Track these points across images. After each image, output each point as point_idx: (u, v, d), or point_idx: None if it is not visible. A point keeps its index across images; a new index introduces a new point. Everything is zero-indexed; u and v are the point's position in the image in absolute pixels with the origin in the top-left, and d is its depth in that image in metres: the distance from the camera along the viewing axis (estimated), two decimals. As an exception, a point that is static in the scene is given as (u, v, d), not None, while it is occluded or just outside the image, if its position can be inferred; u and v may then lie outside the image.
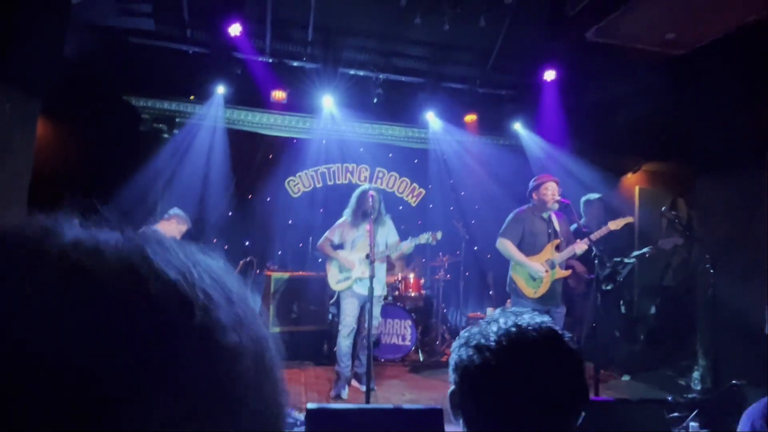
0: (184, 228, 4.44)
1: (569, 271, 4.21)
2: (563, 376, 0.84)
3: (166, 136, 6.14)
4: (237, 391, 0.29)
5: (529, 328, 0.86)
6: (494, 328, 0.87)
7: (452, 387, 0.90)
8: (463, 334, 0.92)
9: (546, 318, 0.90)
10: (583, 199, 5.12)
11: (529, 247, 4.12)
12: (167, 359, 0.26)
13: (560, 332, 0.88)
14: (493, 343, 0.85)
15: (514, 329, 0.85)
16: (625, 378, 5.09)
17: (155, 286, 0.28)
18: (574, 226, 4.29)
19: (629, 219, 4.16)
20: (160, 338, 0.27)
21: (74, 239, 0.29)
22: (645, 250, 4.96)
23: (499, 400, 0.83)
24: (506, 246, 4.14)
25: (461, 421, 0.89)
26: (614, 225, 4.11)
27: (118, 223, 0.34)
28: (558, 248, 4.13)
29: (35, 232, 0.29)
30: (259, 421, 0.30)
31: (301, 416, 3.01)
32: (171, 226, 4.34)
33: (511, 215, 4.26)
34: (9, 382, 0.23)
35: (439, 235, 4.49)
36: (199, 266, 0.31)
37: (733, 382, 3.36)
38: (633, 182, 6.98)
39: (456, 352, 0.90)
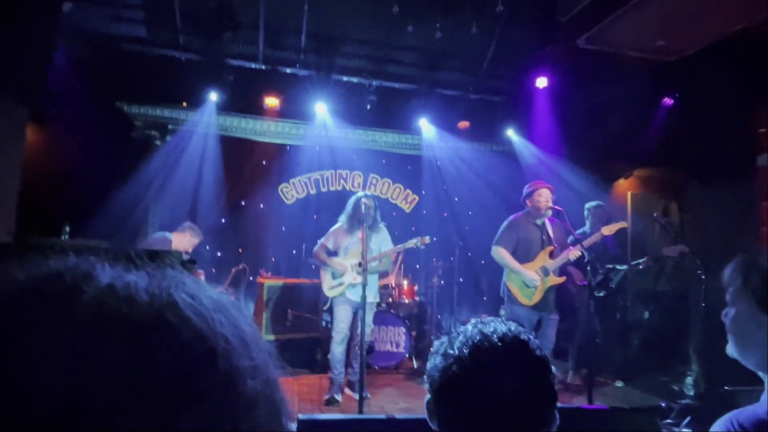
0: (196, 241, 4.48)
1: (563, 278, 4.22)
2: (529, 380, 0.85)
3: (158, 142, 6.11)
4: None
5: (494, 334, 0.88)
6: (461, 337, 0.89)
7: (427, 395, 0.92)
8: (435, 343, 0.94)
9: (513, 325, 0.91)
10: (586, 205, 5.15)
11: (523, 254, 4.13)
12: (195, 406, 0.28)
13: (526, 338, 0.89)
14: (457, 351, 0.87)
15: (478, 336, 0.87)
16: (618, 384, 5.09)
17: (184, 335, 0.30)
18: (570, 237, 4.30)
19: (623, 224, 4.18)
20: (188, 385, 0.29)
21: (109, 284, 0.31)
22: (641, 260, 4.97)
23: (468, 406, 0.85)
24: (501, 254, 4.14)
25: (437, 426, 0.91)
26: (607, 230, 4.12)
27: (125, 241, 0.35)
28: (552, 255, 4.13)
29: (73, 277, 0.30)
30: None
31: (293, 426, 2.97)
32: (185, 239, 4.38)
33: (505, 223, 4.27)
34: (55, 419, 0.26)
35: (427, 239, 4.49)
36: (219, 311, 0.33)
37: (726, 387, 3.36)
38: (625, 188, 7.01)
39: (429, 361, 0.93)
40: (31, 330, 0.27)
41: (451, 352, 0.87)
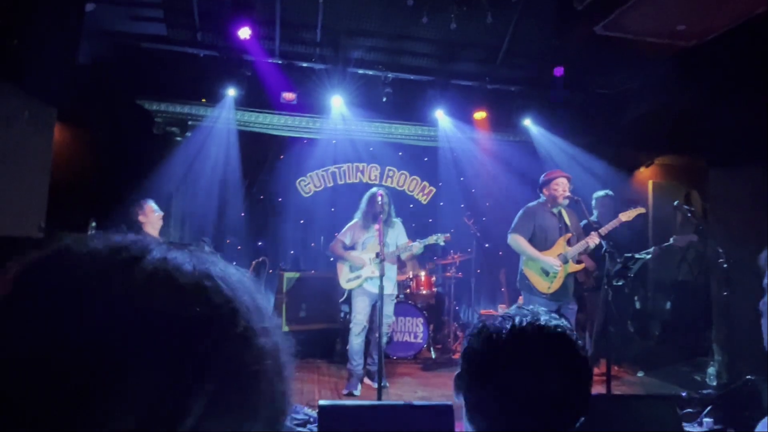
0: (161, 215, 4.59)
1: (582, 266, 4.19)
2: (567, 379, 0.85)
3: (178, 138, 6.23)
4: (261, 384, 0.38)
5: (543, 327, 0.88)
6: (508, 324, 0.89)
7: (459, 370, 0.94)
8: (477, 324, 0.94)
9: (563, 321, 0.91)
10: (594, 195, 5.10)
11: (540, 242, 4.11)
12: (221, 354, 0.36)
13: (573, 336, 0.89)
14: (504, 336, 0.87)
15: (528, 328, 0.87)
16: (640, 374, 5.06)
17: (216, 298, 0.38)
18: (584, 222, 4.27)
19: (641, 210, 4.13)
20: (217, 339, 0.37)
21: (162, 257, 0.39)
22: (650, 250, 4.90)
23: (501, 391, 0.85)
24: (518, 241, 4.13)
25: (462, 401, 0.92)
26: (625, 216, 4.08)
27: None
28: (569, 243, 4.11)
29: (137, 249, 0.39)
30: (272, 410, 0.39)
31: (314, 413, 3.05)
32: (151, 216, 4.48)
33: (521, 211, 4.26)
34: (114, 354, 0.33)
35: (448, 236, 4.53)
36: (241, 284, 0.41)
37: (748, 377, 3.33)
38: (646, 176, 6.91)
39: (468, 340, 0.93)
40: (106, 287, 0.36)
41: (498, 336, 0.88)
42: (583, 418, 0.88)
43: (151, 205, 4.57)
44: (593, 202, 5.05)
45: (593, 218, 4.82)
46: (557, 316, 0.92)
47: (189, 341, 0.35)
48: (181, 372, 0.34)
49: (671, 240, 4.73)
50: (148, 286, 0.36)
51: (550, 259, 4.01)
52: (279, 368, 0.40)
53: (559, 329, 0.88)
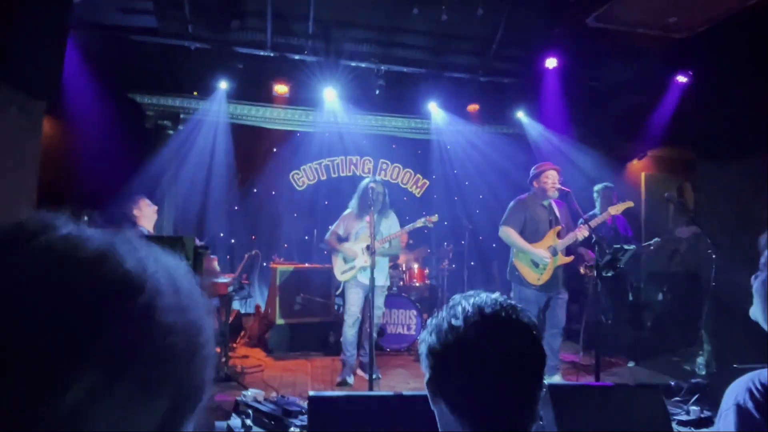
0: (155, 208, 4.57)
1: (571, 258, 4.22)
2: (523, 344, 0.90)
3: (170, 132, 6.21)
4: (165, 364, 0.37)
5: (488, 304, 0.92)
6: (459, 310, 0.92)
7: (428, 375, 0.94)
8: (430, 322, 0.97)
9: (497, 294, 0.96)
10: (595, 188, 5.13)
11: (531, 234, 4.14)
12: (113, 327, 0.35)
13: (515, 305, 0.94)
14: (461, 323, 0.90)
15: (474, 308, 0.91)
16: (630, 364, 5.11)
17: (116, 273, 0.36)
18: (580, 220, 4.30)
19: (629, 203, 4.16)
20: (110, 312, 0.35)
21: (65, 234, 0.37)
22: (652, 242, 4.94)
23: (472, 374, 0.88)
24: (509, 234, 4.16)
25: (442, 406, 0.92)
26: (614, 210, 4.12)
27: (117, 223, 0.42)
28: (559, 235, 4.14)
29: (34, 227, 0.37)
30: (179, 392, 0.38)
31: (305, 404, 3.07)
32: (145, 209, 4.47)
33: (511, 203, 4.28)
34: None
35: (435, 218, 4.53)
36: (159, 264, 0.40)
37: (735, 366, 3.37)
38: (639, 168, 6.93)
39: (426, 340, 0.95)
40: None
41: (455, 324, 0.91)
42: (545, 387, 0.92)
43: (146, 200, 4.56)
44: (594, 195, 5.09)
45: (596, 210, 4.86)
46: (489, 293, 0.97)
47: (76, 314, 0.34)
48: (64, 345, 0.32)
49: (675, 232, 4.78)
50: (40, 262, 0.35)
51: (540, 251, 4.04)
52: (192, 348, 0.38)
53: (500, 301, 0.93)
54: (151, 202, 4.60)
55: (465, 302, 0.93)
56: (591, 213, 4.62)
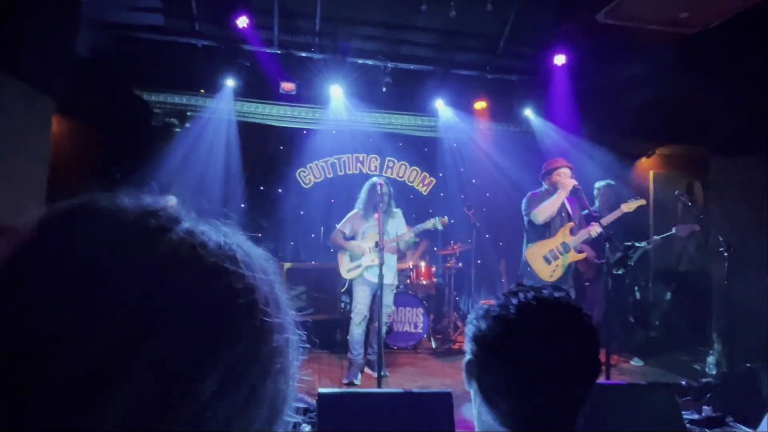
0: None
1: (583, 255, 4.18)
2: (579, 349, 0.85)
3: (177, 129, 6.22)
4: (266, 382, 0.37)
5: (549, 301, 0.87)
6: (514, 300, 0.88)
7: (469, 356, 0.91)
8: (482, 306, 0.93)
9: (563, 294, 0.91)
10: (596, 185, 5.08)
11: (543, 231, 4.10)
12: (233, 347, 0.35)
13: (579, 307, 0.88)
14: (512, 315, 0.86)
15: (534, 302, 0.87)
16: (635, 362, 5.07)
17: (236, 286, 0.37)
18: (585, 212, 4.26)
19: (642, 201, 4.12)
20: (232, 331, 0.35)
21: (189, 229, 0.38)
22: (651, 239, 4.88)
23: (516, 369, 0.84)
24: (541, 210, 4.03)
25: (474, 389, 0.90)
26: (627, 207, 4.07)
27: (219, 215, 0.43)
28: (572, 232, 4.10)
29: (166, 218, 0.38)
30: (270, 409, 0.38)
31: (314, 402, 3.06)
32: None
33: (529, 195, 4.22)
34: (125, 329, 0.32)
35: (445, 219, 4.49)
36: (264, 272, 0.40)
37: (747, 365, 3.33)
38: (647, 166, 6.88)
39: (473, 323, 0.91)
40: (129, 255, 0.34)
41: (506, 314, 0.86)
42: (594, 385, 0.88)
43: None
44: (594, 192, 5.02)
45: (594, 208, 4.80)
46: (559, 289, 0.91)
47: (203, 330, 0.34)
48: (190, 360, 0.33)
49: (673, 230, 4.72)
50: (172, 261, 0.35)
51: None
52: (285, 367, 0.39)
53: (563, 300, 0.88)
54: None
55: (523, 294, 0.88)
56: (588, 210, 4.51)
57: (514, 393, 0.84)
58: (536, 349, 0.83)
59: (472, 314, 0.94)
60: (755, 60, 4.45)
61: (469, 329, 0.92)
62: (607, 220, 4.03)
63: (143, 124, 5.98)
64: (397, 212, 4.57)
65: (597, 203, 4.94)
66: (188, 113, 6.22)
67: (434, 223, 4.46)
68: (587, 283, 4.76)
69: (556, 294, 0.89)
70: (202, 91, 6.05)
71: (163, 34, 5.62)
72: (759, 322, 3.98)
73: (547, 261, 4.05)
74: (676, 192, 4.89)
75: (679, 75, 5.41)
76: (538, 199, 4.11)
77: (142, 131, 5.89)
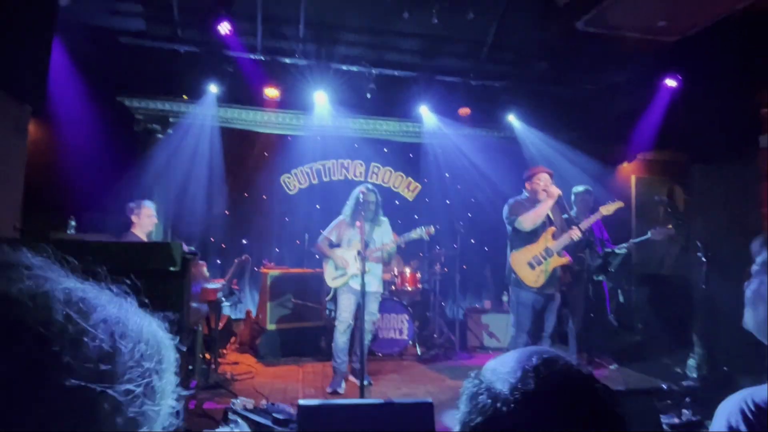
0: (152, 212, 4.43)
1: (567, 258, 4.21)
2: (597, 422, 0.68)
3: (160, 135, 6.15)
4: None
5: (550, 375, 0.71)
6: (509, 377, 0.71)
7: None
8: (471, 383, 0.75)
9: (567, 359, 0.74)
10: (573, 190, 5.10)
11: (525, 236, 4.12)
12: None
13: (587, 373, 0.73)
14: (533, 386, 0.70)
15: (531, 381, 0.70)
16: (613, 367, 5.11)
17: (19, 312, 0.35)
18: (564, 216, 4.30)
19: (620, 203, 4.16)
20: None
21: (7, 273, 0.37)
22: (624, 245, 4.89)
23: None
24: (526, 217, 4.04)
25: None
26: (605, 210, 4.11)
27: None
28: (554, 236, 4.13)
29: None
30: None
31: (296, 411, 3.04)
32: (144, 218, 4.35)
33: (511, 201, 4.23)
34: None
35: (432, 230, 4.49)
36: (112, 312, 0.38)
37: (725, 368, 3.38)
38: (629, 171, 6.96)
39: (468, 403, 0.73)
40: None
41: (500, 392, 0.69)
42: None
43: (149, 209, 4.42)
44: (572, 198, 5.04)
45: (572, 212, 4.83)
46: (561, 354, 0.74)
47: None
48: None
49: (648, 233, 4.76)
50: None
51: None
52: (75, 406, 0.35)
53: (570, 370, 0.71)
54: (155, 212, 4.48)
55: (520, 373, 0.69)
56: (568, 215, 4.51)
57: None
58: (552, 423, 0.66)
59: (464, 395, 0.73)
60: (732, 67, 4.54)
61: (463, 409, 0.73)
62: (586, 224, 4.06)
63: (124, 130, 5.90)
64: (384, 221, 4.56)
65: (575, 209, 4.95)
66: (171, 119, 6.16)
67: (420, 233, 4.46)
68: (564, 288, 4.78)
69: (558, 364, 0.72)
70: (184, 97, 6.00)
71: (144, 39, 5.56)
72: (738, 326, 4.03)
73: (531, 266, 4.07)
74: (656, 197, 4.95)
75: (658, 83, 5.50)
76: (519, 206, 4.13)
77: (123, 137, 5.81)
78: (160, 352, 0.40)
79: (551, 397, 0.68)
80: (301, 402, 2.32)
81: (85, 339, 0.36)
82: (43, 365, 0.34)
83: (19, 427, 0.33)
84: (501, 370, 0.72)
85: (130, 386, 0.37)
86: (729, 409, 1.01)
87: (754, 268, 1.19)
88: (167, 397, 0.40)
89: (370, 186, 4.52)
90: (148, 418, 0.38)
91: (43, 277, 0.37)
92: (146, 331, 0.39)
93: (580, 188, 5.05)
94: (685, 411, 3.33)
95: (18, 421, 0.33)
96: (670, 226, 4.65)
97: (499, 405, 0.68)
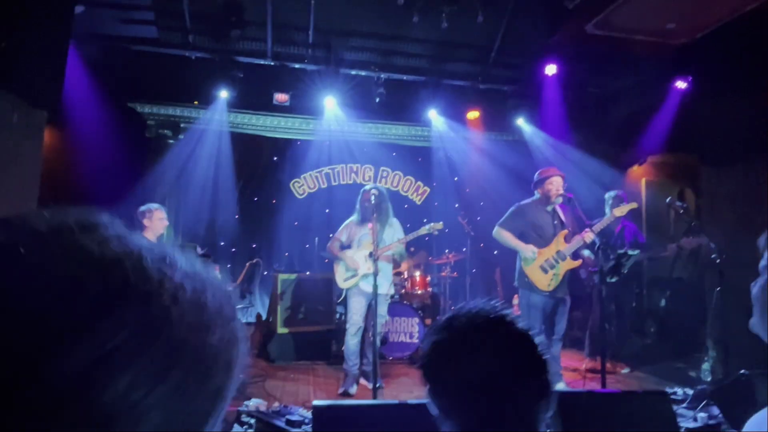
0: (163, 215, 4.44)
1: (579, 262, 4.19)
2: (516, 355, 0.88)
3: (171, 141, 6.21)
4: (163, 381, 0.35)
5: (468, 312, 0.92)
6: (445, 320, 0.93)
7: (426, 387, 0.93)
8: (436, 322, 0.97)
9: (486, 302, 0.95)
10: (607, 195, 5.06)
11: (535, 240, 4.11)
12: (106, 333, 0.33)
13: (507, 314, 0.92)
14: (447, 334, 0.91)
15: (463, 317, 0.92)
16: (625, 371, 5.07)
17: (126, 279, 0.36)
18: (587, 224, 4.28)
19: (633, 205, 4.15)
20: (107, 316, 0.34)
21: (100, 234, 0.38)
22: (664, 250, 4.89)
23: (464, 389, 0.86)
24: (501, 233, 4.18)
25: (439, 414, 0.91)
26: (618, 211, 4.10)
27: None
28: (566, 239, 4.12)
29: (80, 223, 0.38)
30: (179, 416, 0.35)
31: (309, 414, 3.04)
32: (156, 221, 4.35)
33: (513, 207, 4.26)
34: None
35: (439, 225, 4.50)
36: (193, 279, 0.39)
37: (742, 371, 3.34)
38: (639, 174, 6.93)
39: (421, 353, 0.96)
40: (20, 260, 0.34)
41: (434, 337, 0.91)
42: (550, 387, 0.89)
43: (161, 212, 4.47)
44: (609, 202, 4.99)
45: (607, 216, 4.83)
46: (486, 301, 0.96)
47: (70, 311, 0.33)
48: (44, 341, 0.32)
49: (681, 242, 4.76)
50: (61, 258, 0.35)
51: (528, 247, 4.04)
52: (202, 374, 0.37)
53: (484, 308, 0.92)
54: (166, 216, 4.52)
55: (456, 312, 0.93)
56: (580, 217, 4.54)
57: (463, 412, 0.86)
58: (465, 359, 0.87)
59: (424, 337, 0.99)
60: (741, 69, 4.53)
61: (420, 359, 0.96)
62: (599, 226, 4.05)
63: (136, 135, 5.97)
64: (395, 221, 4.56)
65: (608, 213, 4.94)
66: (182, 125, 6.23)
67: (428, 229, 4.47)
68: (588, 290, 4.77)
69: (476, 304, 0.94)
70: (195, 102, 6.07)
71: (156, 46, 5.64)
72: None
73: (544, 270, 4.06)
74: (668, 199, 4.92)
75: (668, 84, 5.49)
76: (519, 216, 4.16)
77: (135, 143, 5.88)
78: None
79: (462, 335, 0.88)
80: (316, 403, 2.32)
81: (179, 294, 0.37)
82: (156, 323, 0.35)
83: (157, 386, 0.34)
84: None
85: (221, 335, 0.39)
86: (757, 427, 0.99)
87: (762, 264, 1.17)
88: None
89: (378, 186, 4.55)
90: (237, 360, 0.41)
91: (124, 236, 0.39)
92: (211, 284, 0.41)
93: (612, 192, 5.03)
94: (701, 415, 3.29)
95: (156, 382, 0.34)
96: (704, 237, 4.64)
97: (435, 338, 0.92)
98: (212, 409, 0.38)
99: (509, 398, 0.85)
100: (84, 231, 0.37)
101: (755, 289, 1.15)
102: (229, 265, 6.40)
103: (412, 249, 6.10)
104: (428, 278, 6.01)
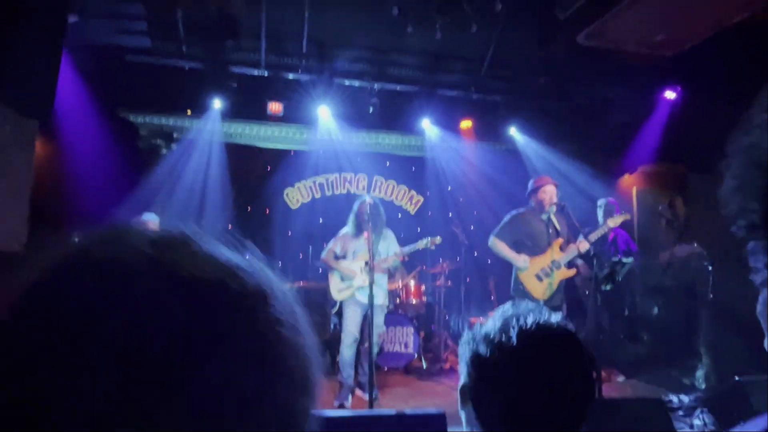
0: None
1: (574, 271, 4.22)
2: (576, 377, 0.86)
3: (164, 151, 6.19)
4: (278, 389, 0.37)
5: (549, 329, 0.88)
6: (514, 325, 0.88)
7: (464, 381, 0.90)
8: (478, 327, 0.92)
9: (559, 317, 0.91)
10: (599, 202, 5.14)
11: (529, 250, 4.13)
12: (232, 342, 0.35)
13: (575, 334, 0.89)
14: (513, 343, 0.86)
15: (534, 329, 0.87)
16: (620, 379, 5.08)
17: (242, 289, 0.38)
18: (581, 233, 4.32)
19: (626, 216, 4.19)
20: (231, 326, 0.36)
21: (194, 251, 0.39)
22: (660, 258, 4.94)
23: (515, 396, 0.84)
24: (496, 244, 4.20)
25: (469, 413, 0.89)
26: (612, 222, 4.14)
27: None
28: (561, 248, 4.14)
29: (171, 239, 0.39)
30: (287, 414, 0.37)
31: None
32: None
33: (507, 216, 4.28)
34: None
35: (438, 239, 4.51)
36: (284, 296, 0.42)
37: (736, 378, 3.36)
38: (630, 183, 7.00)
39: (470, 346, 0.90)
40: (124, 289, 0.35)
41: (507, 341, 0.86)
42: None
43: (152, 220, 4.49)
44: (601, 208, 5.09)
45: (600, 224, 4.88)
46: (551, 312, 0.92)
47: (196, 326, 0.34)
48: (180, 353, 0.32)
49: (675, 251, 4.82)
50: (164, 277, 0.35)
51: (520, 257, 4.06)
52: (303, 384, 0.39)
53: (561, 327, 0.88)
54: (156, 220, 4.54)
55: (524, 319, 0.87)
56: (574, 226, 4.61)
57: (512, 419, 0.84)
58: (536, 377, 0.84)
59: (467, 335, 0.92)
60: (730, 80, 4.61)
61: (464, 351, 0.91)
62: (594, 235, 4.08)
63: (129, 145, 5.94)
64: (388, 232, 4.56)
65: (601, 220, 5.00)
66: (175, 135, 6.21)
67: (426, 243, 4.47)
68: (584, 300, 4.80)
69: (554, 319, 0.89)
70: (188, 112, 6.05)
71: (149, 56, 5.63)
72: (745, 334, 4.03)
73: (539, 279, 4.07)
74: (660, 207, 4.98)
75: (657, 95, 5.57)
76: (514, 225, 4.19)
77: (127, 153, 5.84)
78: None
79: (530, 349, 0.84)
80: (312, 412, 2.30)
81: (279, 307, 0.39)
82: (262, 337, 0.37)
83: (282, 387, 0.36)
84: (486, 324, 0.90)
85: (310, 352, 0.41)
86: None
87: (762, 278, 1.16)
88: None
89: (372, 196, 4.55)
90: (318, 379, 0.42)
91: (211, 247, 0.40)
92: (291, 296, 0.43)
93: (603, 200, 5.12)
94: (696, 422, 3.30)
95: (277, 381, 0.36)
96: (695, 245, 4.70)
97: (483, 351, 0.87)
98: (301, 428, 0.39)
99: (562, 413, 0.84)
100: (187, 243, 0.39)
101: (759, 306, 1.14)
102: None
103: (406, 259, 6.09)
104: (423, 288, 6.00)
